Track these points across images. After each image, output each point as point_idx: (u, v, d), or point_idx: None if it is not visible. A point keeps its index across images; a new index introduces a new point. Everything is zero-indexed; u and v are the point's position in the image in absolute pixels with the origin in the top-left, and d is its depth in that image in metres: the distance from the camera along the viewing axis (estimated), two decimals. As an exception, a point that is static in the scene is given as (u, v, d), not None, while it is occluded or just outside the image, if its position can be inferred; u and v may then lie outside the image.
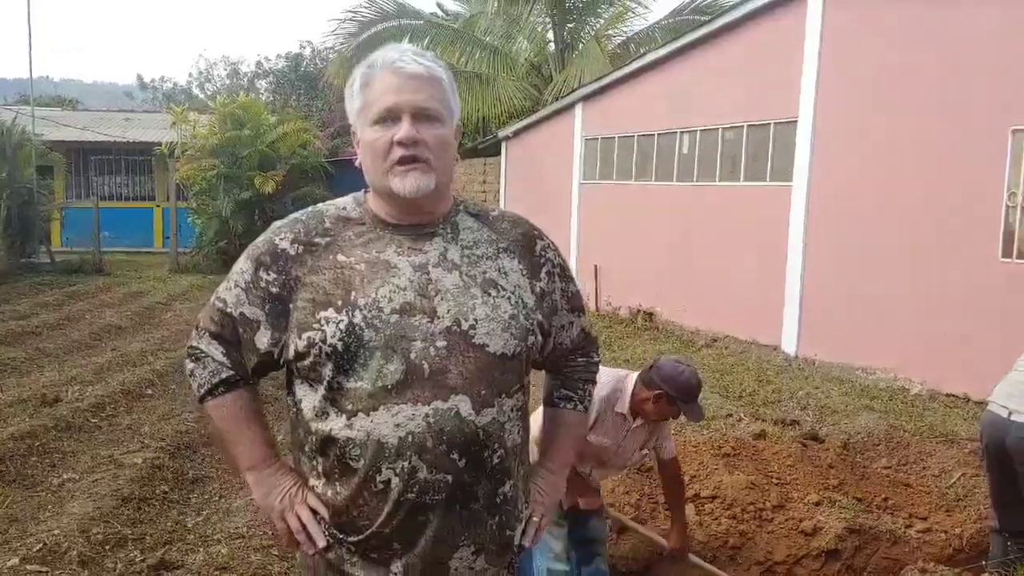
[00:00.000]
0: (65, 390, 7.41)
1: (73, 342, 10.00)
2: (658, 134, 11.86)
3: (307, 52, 32.92)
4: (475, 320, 1.72)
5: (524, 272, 1.85)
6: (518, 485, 1.84)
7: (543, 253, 1.91)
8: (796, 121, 9.36)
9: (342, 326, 1.68)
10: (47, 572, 3.91)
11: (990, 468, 4.64)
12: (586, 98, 13.51)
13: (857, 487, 5.42)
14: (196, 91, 39.19)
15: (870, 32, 8.60)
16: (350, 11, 17.63)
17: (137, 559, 4.17)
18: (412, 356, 1.67)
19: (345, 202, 1.86)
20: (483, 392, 1.71)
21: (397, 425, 1.66)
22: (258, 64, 36.63)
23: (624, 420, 3.77)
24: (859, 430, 6.69)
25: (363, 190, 1.87)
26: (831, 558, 4.72)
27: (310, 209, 1.87)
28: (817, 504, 5.03)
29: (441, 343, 1.69)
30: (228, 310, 1.80)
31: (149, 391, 7.69)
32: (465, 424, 1.69)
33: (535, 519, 1.92)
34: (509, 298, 1.78)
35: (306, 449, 1.79)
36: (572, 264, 13.83)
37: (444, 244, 1.79)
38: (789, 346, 9.53)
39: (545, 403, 2.07)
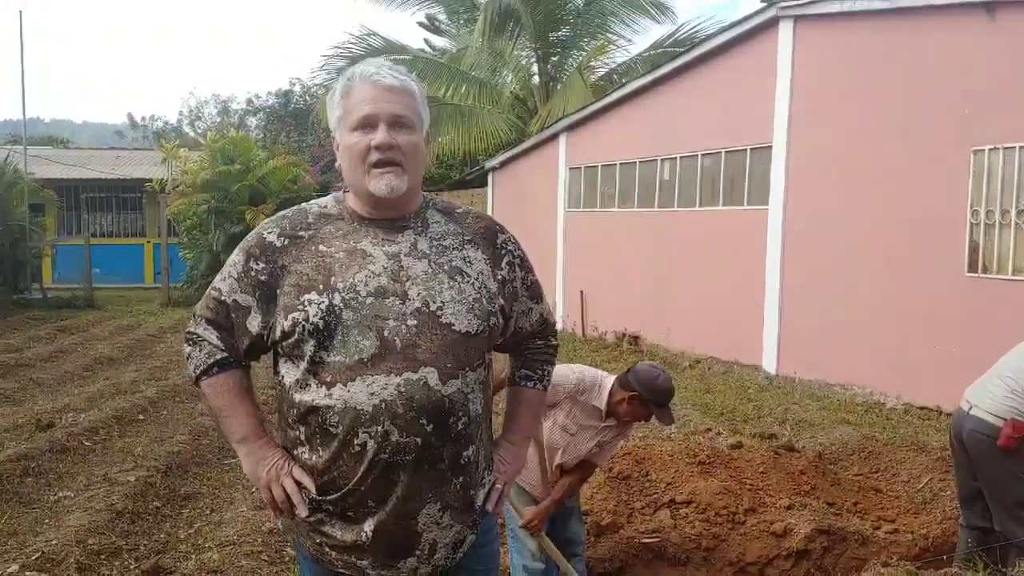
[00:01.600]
0: (59, 416, 7.56)
1: (66, 373, 10.15)
2: (639, 162, 12.16)
3: (297, 89, 33.35)
4: (442, 302, 1.94)
5: (487, 261, 2.07)
6: (480, 450, 2.04)
7: (504, 245, 2.13)
8: (771, 146, 9.65)
9: (323, 306, 1.89)
10: (45, 578, 4.06)
11: (956, 463, 4.85)
12: (569, 128, 13.83)
13: (828, 492, 5.60)
14: (187, 129, 39.58)
15: (837, 59, 8.93)
16: (338, 47, 18.00)
17: (132, 566, 4.33)
18: (385, 333, 1.89)
19: (326, 201, 2.09)
20: (449, 365, 1.92)
21: (372, 394, 1.87)
22: (248, 101, 37.07)
23: (598, 415, 3.96)
24: (834, 441, 6.89)
25: (343, 190, 2.09)
26: (801, 558, 4.89)
27: (295, 207, 2.09)
28: (788, 508, 5.21)
29: (412, 322, 1.91)
30: (223, 298, 2.01)
31: (141, 416, 7.84)
32: (432, 393, 1.90)
33: (498, 486, 2.12)
34: (473, 284, 2.00)
35: (289, 420, 1.99)
36: (559, 290, 14.08)
37: (415, 236, 2.01)
38: (769, 365, 9.75)
39: (508, 382, 2.28)
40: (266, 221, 2.06)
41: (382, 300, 1.91)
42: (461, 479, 1.99)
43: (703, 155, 10.90)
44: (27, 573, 4.10)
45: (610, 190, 12.93)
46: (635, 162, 12.25)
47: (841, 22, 8.88)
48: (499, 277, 2.08)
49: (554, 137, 14.28)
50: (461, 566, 2.07)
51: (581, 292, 13.44)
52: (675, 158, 11.41)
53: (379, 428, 1.87)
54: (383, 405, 1.87)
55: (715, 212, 10.73)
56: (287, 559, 4.39)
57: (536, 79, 18.93)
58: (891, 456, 6.46)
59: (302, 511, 1.97)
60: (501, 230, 2.16)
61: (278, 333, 1.94)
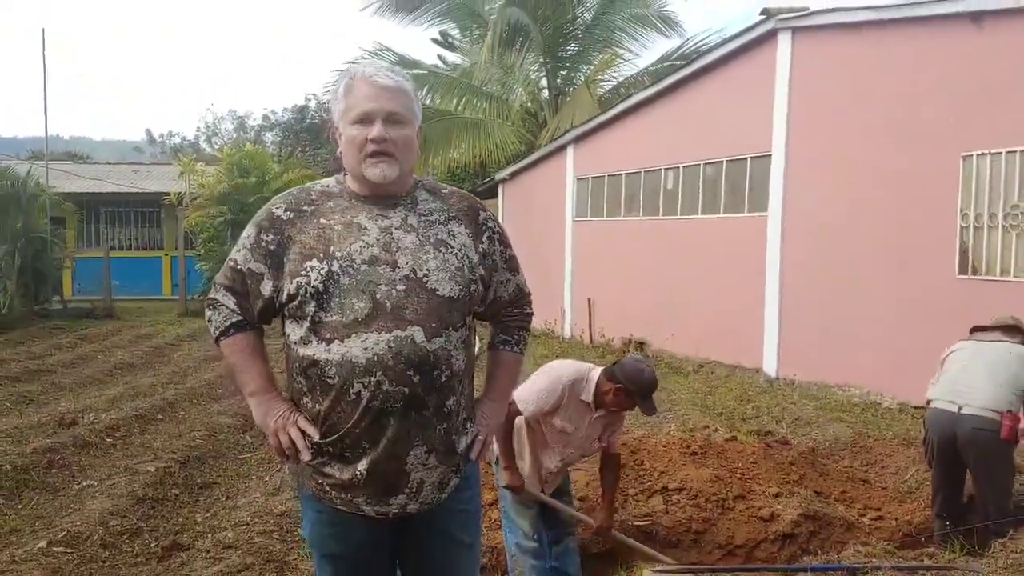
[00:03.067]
0: (81, 415, 7.87)
1: (87, 377, 10.48)
2: (644, 171, 12.44)
3: (312, 104, 33.84)
4: (428, 270, 2.22)
5: (469, 235, 2.35)
6: (461, 401, 2.31)
7: (485, 222, 2.41)
8: (770, 155, 9.91)
9: (323, 272, 2.18)
10: (72, 552, 4.34)
11: (939, 462, 5.08)
12: (577, 140, 14.13)
13: (816, 482, 5.83)
14: (204, 144, 40.21)
15: (833, 69, 9.18)
16: (351, 62, 18.33)
17: (151, 544, 4.62)
18: (378, 296, 2.17)
19: (328, 181, 2.38)
20: (434, 325, 2.20)
21: (365, 348, 2.14)
22: (264, 117, 37.65)
23: (588, 409, 4.23)
24: (828, 438, 7.12)
25: (343, 173, 2.38)
26: (787, 542, 5.12)
27: (299, 187, 2.38)
28: (777, 495, 5.44)
29: (401, 287, 2.19)
30: (239, 267, 2.29)
31: (160, 416, 8.14)
32: (419, 348, 2.17)
33: (480, 437, 2.39)
34: (456, 255, 2.28)
35: (294, 374, 2.26)
36: (567, 298, 14.35)
37: (405, 212, 2.30)
38: (770, 368, 9.97)
39: (488, 347, 2.55)
40: (275, 198, 2.35)
41: (375, 267, 2.19)
42: (444, 425, 2.25)
43: (705, 164, 11.16)
44: (54, 548, 4.39)
45: (616, 199, 13.20)
46: (640, 172, 12.53)
47: (836, 33, 9.15)
48: (480, 249, 2.35)
49: (562, 149, 14.58)
50: (446, 507, 2.33)
51: (588, 299, 13.70)
52: (678, 167, 11.68)
53: (372, 379, 2.14)
54: (375, 358, 2.14)
55: (717, 220, 10.98)
56: (298, 538, 4.65)
57: (545, 92, 19.26)
58: (881, 450, 6.67)
59: (305, 455, 2.24)
60: (482, 208, 2.44)
61: (284, 296, 2.22)
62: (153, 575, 4.10)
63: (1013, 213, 7.37)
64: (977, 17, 7.47)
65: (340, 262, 2.18)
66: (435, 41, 23.09)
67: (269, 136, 36.40)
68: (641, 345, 12.37)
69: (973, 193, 7.65)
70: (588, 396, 4.20)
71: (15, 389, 9.36)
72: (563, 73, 19.08)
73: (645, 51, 55.07)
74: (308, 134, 32.77)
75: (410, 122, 2.29)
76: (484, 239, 2.38)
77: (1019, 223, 7.34)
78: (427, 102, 18.22)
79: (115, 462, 6.35)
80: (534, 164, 15.62)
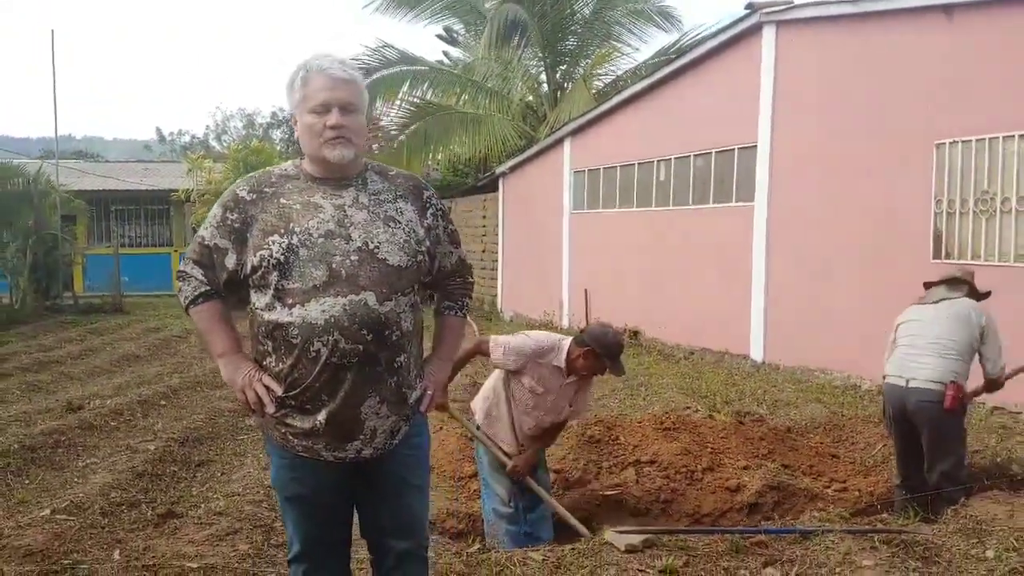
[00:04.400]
0: (88, 401, 8.19)
1: (95, 367, 10.82)
2: (638, 163, 12.69)
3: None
4: (379, 243, 2.51)
5: (415, 212, 2.63)
6: (410, 359, 2.59)
7: (429, 200, 2.69)
8: (756, 145, 10.15)
9: (283, 245, 2.46)
10: (73, 520, 4.64)
11: (896, 434, 5.33)
12: (573, 134, 14.40)
13: (785, 456, 6.09)
14: (213, 143, 40.56)
15: (815, 61, 9.42)
16: (354, 59, 18.58)
17: (148, 513, 4.91)
18: (333, 265, 2.45)
19: (287, 165, 2.66)
20: (384, 290, 2.48)
21: (323, 311, 2.43)
22: (273, 115, 37.96)
23: (560, 374, 4.53)
24: (804, 417, 7.37)
25: (300, 158, 2.66)
26: (753, 511, 5.39)
27: (261, 170, 2.67)
28: (745, 468, 5.71)
29: (355, 257, 2.47)
30: (206, 242, 2.59)
31: (163, 402, 8.45)
32: (371, 311, 2.45)
33: (428, 392, 2.68)
34: (403, 229, 2.57)
35: (260, 337, 2.54)
36: (565, 289, 14.61)
37: (356, 192, 2.58)
38: (756, 354, 10.21)
39: (435, 313, 2.84)
40: (239, 180, 2.65)
41: (331, 240, 2.47)
42: (395, 379, 2.54)
43: (695, 155, 11.41)
44: (57, 516, 4.69)
45: (611, 191, 13.46)
46: (634, 164, 12.79)
47: (817, 26, 9.38)
48: (425, 225, 2.64)
49: (559, 142, 14.85)
50: (397, 452, 2.62)
51: (585, 290, 13.96)
52: (670, 159, 11.93)
53: (330, 338, 2.42)
54: (332, 320, 2.42)
55: (706, 210, 11.23)
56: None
57: (545, 87, 19.51)
58: (852, 428, 6.92)
59: (270, 408, 2.52)
60: (426, 187, 2.73)
61: (249, 267, 2.50)
62: (149, 539, 4.38)
63: (983, 199, 7.60)
64: (949, 9, 7.70)
65: (299, 236, 2.46)
66: (439, 37, 23.40)
67: (277, 133, 36.75)
68: (635, 334, 12.62)
69: (946, 180, 7.88)
70: (560, 362, 4.52)
71: (26, 378, 9.70)
72: (562, 68, 19.32)
73: (644, 45, 55.06)
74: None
75: (361, 110, 2.57)
76: (428, 215, 2.66)
77: (989, 208, 7.57)
78: (428, 98, 18.48)
79: (117, 442, 6.67)
80: (532, 158, 15.89)
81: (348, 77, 2.54)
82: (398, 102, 18.48)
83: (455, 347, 2.87)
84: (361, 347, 2.44)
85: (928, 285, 5.39)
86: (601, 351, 4.40)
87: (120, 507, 5.01)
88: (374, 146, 22.57)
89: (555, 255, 14.82)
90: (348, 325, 2.42)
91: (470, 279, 2.87)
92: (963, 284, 5.20)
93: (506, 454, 4.70)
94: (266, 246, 2.46)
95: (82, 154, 39.95)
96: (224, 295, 2.65)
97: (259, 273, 2.48)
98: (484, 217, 18.21)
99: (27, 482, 5.62)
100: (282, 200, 2.53)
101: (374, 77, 18.31)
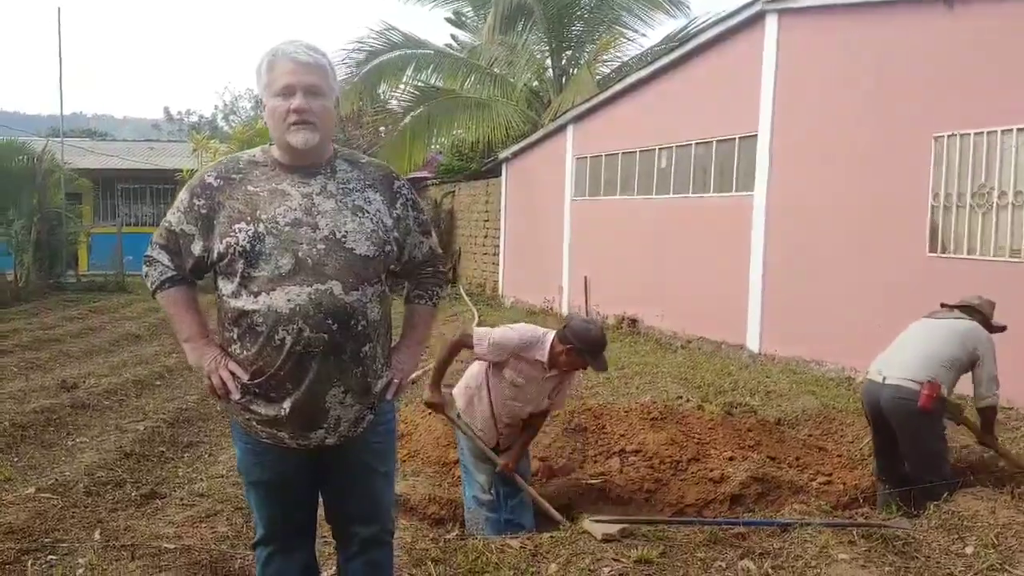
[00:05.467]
0: (83, 380, 8.24)
1: (93, 346, 10.87)
2: (639, 151, 12.65)
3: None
4: (346, 232, 2.50)
5: (384, 201, 2.62)
6: (376, 348, 2.58)
7: (399, 190, 2.68)
8: (756, 135, 10.10)
9: (250, 233, 2.45)
10: (57, 499, 4.67)
11: (873, 430, 5.33)
12: (575, 120, 14.35)
13: (772, 448, 6.08)
14: (221, 123, 40.62)
15: (816, 51, 9.35)
16: (359, 41, 18.56)
17: (132, 493, 4.95)
18: (300, 254, 2.44)
19: (255, 151, 2.65)
20: (351, 280, 2.47)
21: (289, 300, 2.42)
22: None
23: (541, 368, 4.52)
24: (795, 409, 7.36)
25: (269, 143, 2.65)
26: (736, 503, 5.38)
27: (230, 156, 2.66)
28: (731, 459, 5.70)
29: (321, 246, 2.46)
30: (172, 228, 2.58)
31: (158, 382, 8.51)
32: (337, 300, 2.45)
33: (395, 380, 2.68)
34: (372, 218, 2.56)
35: (226, 324, 2.55)
36: (565, 276, 14.60)
37: (325, 180, 2.57)
38: (753, 344, 10.20)
39: (405, 301, 2.83)
40: (207, 166, 2.64)
41: (297, 229, 2.46)
42: (360, 368, 2.54)
43: (696, 144, 11.37)
44: (41, 495, 4.72)
45: (612, 179, 13.43)
46: (635, 151, 12.74)
47: (818, 15, 9.31)
48: (394, 215, 2.63)
49: (562, 128, 14.80)
50: (363, 439, 2.62)
51: (585, 277, 13.95)
52: (671, 147, 11.88)
53: (294, 326, 2.42)
54: (297, 308, 2.42)
55: (707, 199, 11.20)
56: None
57: (550, 72, 19.42)
58: (843, 421, 6.90)
59: (235, 394, 2.53)
60: (397, 177, 2.71)
61: (215, 255, 2.50)
62: (130, 519, 4.40)
63: (980, 193, 7.55)
64: (949, 0, 7.63)
65: (266, 224, 2.45)
66: (448, 20, 23.30)
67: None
68: (633, 322, 12.62)
69: (944, 173, 7.83)
70: (543, 356, 4.50)
71: (24, 356, 9.75)
72: (568, 53, 19.23)
73: (651, 31, 54.83)
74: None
75: (327, 94, 2.54)
76: (398, 205, 2.65)
77: (985, 202, 7.52)
78: (432, 82, 18.41)
79: (108, 422, 6.71)
80: (535, 144, 15.85)
81: (313, 61, 2.51)
82: (402, 86, 18.42)
83: (424, 336, 2.87)
84: (326, 336, 2.44)
85: (945, 306, 5.35)
86: (584, 348, 4.38)
87: (105, 486, 5.05)
88: (380, 129, 22.55)
89: (556, 242, 14.80)
90: (313, 314, 2.42)
91: (442, 268, 2.87)
92: (976, 312, 5.15)
93: (495, 452, 4.72)
94: (232, 234, 2.45)
95: (92, 132, 40.00)
96: (191, 280, 2.65)
97: (225, 260, 2.47)
98: (487, 203, 18.19)
99: (16, 460, 5.67)
100: (249, 187, 2.52)
101: (379, 60, 18.27)
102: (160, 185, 23.79)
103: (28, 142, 18.71)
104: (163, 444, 6.13)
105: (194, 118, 44.76)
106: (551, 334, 4.57)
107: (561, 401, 4.81)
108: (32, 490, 4.79)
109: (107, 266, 19.63)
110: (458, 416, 4.74)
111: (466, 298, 16.80)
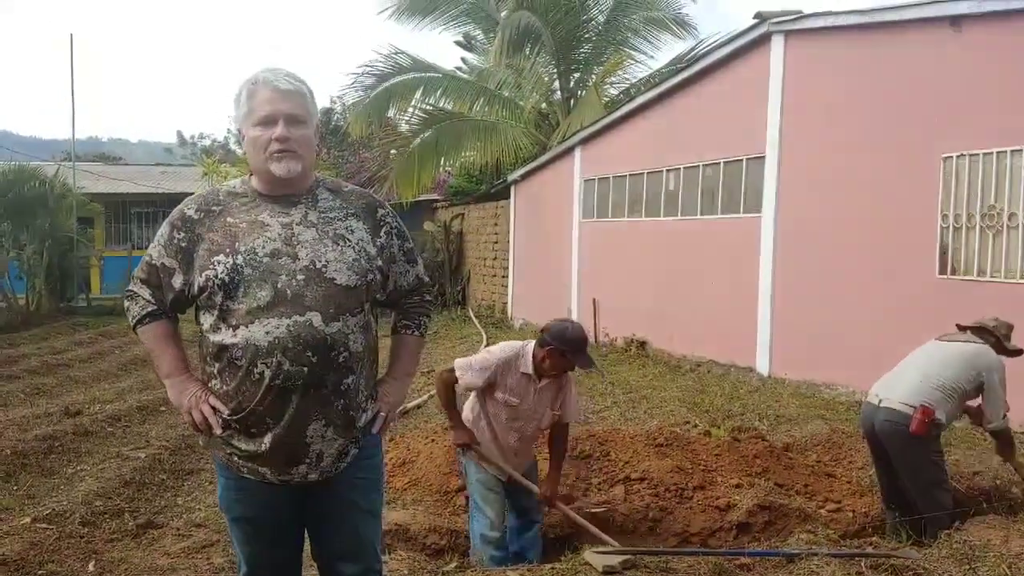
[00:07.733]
0: (87, 406, 8.22)
1: (101, 371, 10.89)
2: (647, 173, 12.60)
3: (337, 107, 34.22)
4: (327, 261, 2.45)
5: (367, 230, 2.57)
6: (360, 380, 2.52)
7: (383, 218, 2.63)
8: (764, 156, 10.04)
9: (228, 265, 2.41)
10: (52, 528, 4.63)
11: (872, 455, 5.25)
12: (584, 142, 14.34)
13: (780, 475, 5.97)
14: (233, 147, 40.80)
15: (823, 72, 9.31)
16: (367, 65, 18.61)
17: (129, 523, 4.89)
18: (279, 285, 2.39)
19: (235, 183, 2.62)
20: (331, 311, 2.42)
21: (267, 332, 2.37)
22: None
23: (530, 380, 4.46)
24: (804, 434, 7.25)
25: (248, 175, 2.61)
26: (743, 531, 5.28)
27: (210, 188, 2.62)
28: (737, 486, 5.60)
29: (301, 277, 2.41)
30: (153, 262, 2.54)
31: (162, 408, 8.46)
32: (317, 332, 2.39)
33: (382, 413, 2.62)
34: (353, 248, 2.50)
35: (207, 358, 2.50)
36: (574, 298, 14.53)
37: (306, 209, 2.52)
38: (763, 367, 10.09)
39: (392, 331, 2.78)
40: (187, 199, 2.60)
41: (276, 260, 2.42)
42: (343, 401, 2.48)
43: (704, 166, 11.31)
44: (37, 525, 4.68)
45: (620, 201, 13.38)
46: (643, 173, 12.70)
47: (825, 37, 9.27)
48: (378, 244, 2.58)
49: (570, 150, 14.79)
50: (347, 475, 2.56)
51: (594, 300, 13.88)
52: (679, 169, 11.84)
53: (273, 359, 2.37)
54: (276, 341, 2.37)
55: (715, 221, 11.13)
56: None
57: (558, 95, 19.43)
58: (852, 446, 6.78)
59: (216, 429, 2.48)
60: (381, 205, 2.66)
61: (195, 288, 2.46)
62: (125, 550, 4.35)
63: (990, 214, 7.46)
64: (956, 21, 7.57)
65: (244, 256, 2.40)
66: (458, 43, 23.40)
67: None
68: (642, 345, 12.53)
69: (953, 194, 7.75)
70: (528, 368, 4.45)
71: (31, 382, 9.77)
72: (576, 75, 19.23)
73: (659, 53, 54.77)
74: (333, 137, 33.16)
75: (308, 122, 2.50)
76: (382, 234, 2.60)
77: (995, 223, 7.43)
78: (441, 105, 18.45)
79: (110, 448, 6.67)
80: (544, 166, 15.84)
81: (294, 89, 2.48)
82: (411, 109, 18.45)
83: (412, 367, 2.81)
84: (306, 369, 2.38)
85: (960, 327, 5.24)
86: (564, 347, 4.33)
87: (103, 516, 5.01)
88: (392, 151, 22.60)
89: (564, 263, 14.75)
90: (292, 346, 2.37)
91: (429, 297, 2.81)
92: (990, 334, 5.03)
93: (531, 482, 4.66)
94: (211, 266, 2.41)
95: (105, 156, 40.32)
96: (172, 315, 2.61)
97: (205, 294, 2.43)
98: (496, 224, 18.18)
99: (15, 488, 5.63)
100: (228, 219, 2.48)
101: (388, 83, 18.31)
102: (172, 209, 23.81)
103: (40, 167, 18.85)
104: (164, 472, 6.09)
105: (207, 142, 45.04)
106: (531, 344, 4.52)
107: (572, 411, 4.72)
108: (28, 520, 4.74)
109: (118, 290, 19.67)
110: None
111: (475, 320, 16.76)
